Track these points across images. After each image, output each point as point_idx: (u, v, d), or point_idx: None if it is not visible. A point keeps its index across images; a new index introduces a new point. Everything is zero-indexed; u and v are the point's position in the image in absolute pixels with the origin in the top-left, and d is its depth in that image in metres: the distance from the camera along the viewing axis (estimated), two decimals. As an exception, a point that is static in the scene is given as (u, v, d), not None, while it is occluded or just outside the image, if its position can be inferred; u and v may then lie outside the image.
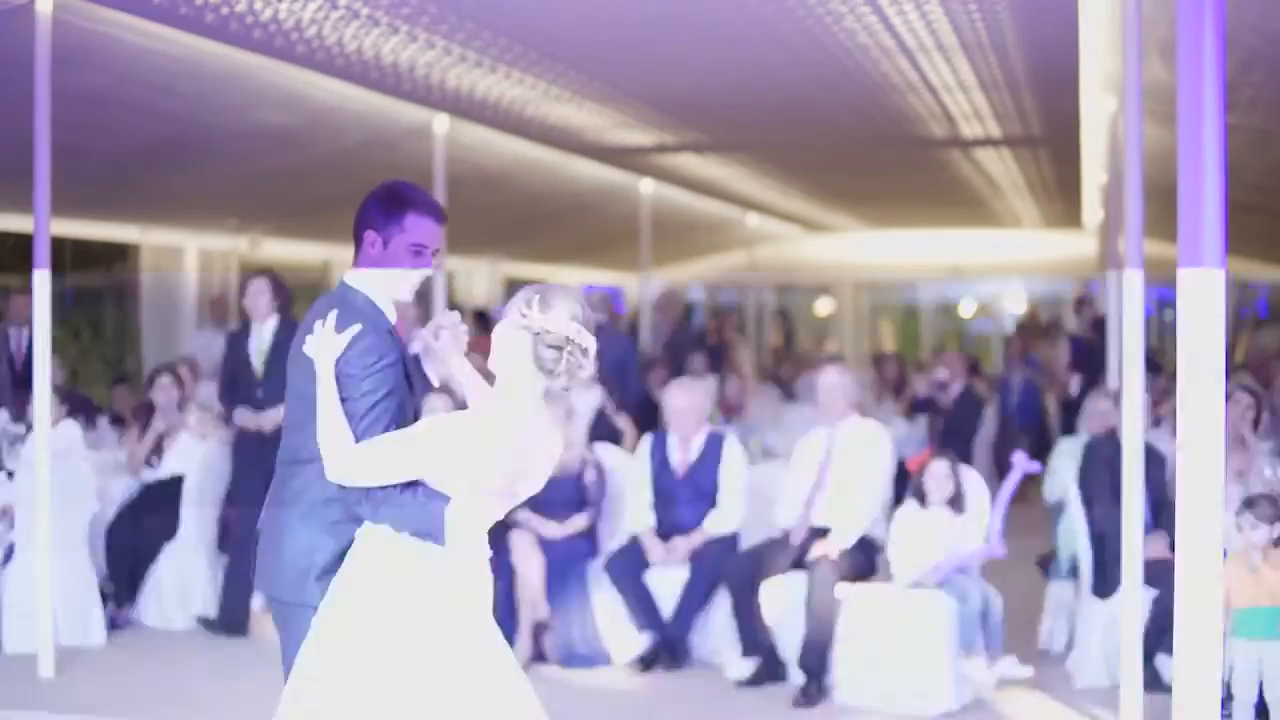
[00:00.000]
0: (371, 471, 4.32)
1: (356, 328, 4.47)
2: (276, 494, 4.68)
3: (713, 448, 9.39)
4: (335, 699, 4.29)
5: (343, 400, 4.42)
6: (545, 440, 4.47)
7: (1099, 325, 16.33)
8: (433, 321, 4.84)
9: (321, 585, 4.51)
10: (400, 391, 4.54)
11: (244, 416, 9.91)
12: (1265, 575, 6.70)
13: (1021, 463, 8.53)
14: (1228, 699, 6.88)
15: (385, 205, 4.64)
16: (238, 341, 10.07)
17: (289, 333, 9.50)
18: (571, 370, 4.35)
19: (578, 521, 9.38)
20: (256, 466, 9.54)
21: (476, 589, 4.45)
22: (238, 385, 9.98)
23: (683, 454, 9.40)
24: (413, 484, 4.37)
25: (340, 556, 4.50)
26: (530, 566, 9.12)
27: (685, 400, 9.42)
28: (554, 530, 9.29)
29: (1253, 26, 8.35)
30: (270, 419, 9.64)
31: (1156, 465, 8.27)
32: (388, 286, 4.67)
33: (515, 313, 4.37)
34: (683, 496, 9.30)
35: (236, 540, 10.32)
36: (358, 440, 4.37)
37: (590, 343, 4.37)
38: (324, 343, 4.45)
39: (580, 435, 9.86)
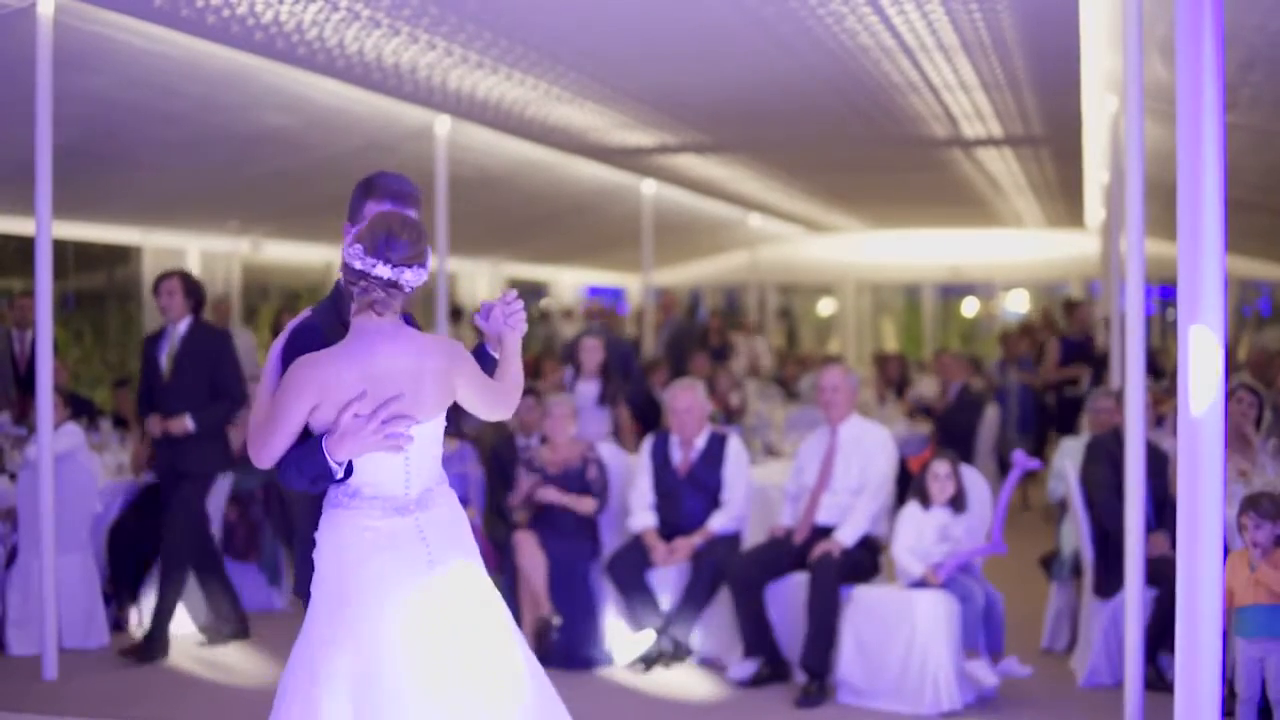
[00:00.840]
0: (264, 447, 4.47)
1: (304, 315, 4.65)
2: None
3: (715, 447, 9.40)
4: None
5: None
6: (420, 367, 4.53)
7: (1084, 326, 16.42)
8: (484, 302, 4.89)
9: None
10: None
11: (152, 422, 9.57)
12: (1266, 574, 6.70)
13: (1022, 460, 8.53)
14: (1230, 698, 6.88)
15: (354, 197, 4.78)
16: (152, 344, 9.72)
17: (201, 334, 9.50)
18: (381, 301, 4.46)
19: (587, 503, 9.40)
20: (169, 476, 9.56)
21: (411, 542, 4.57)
22: (152, 390, 9.66)
23: (684, 453, 9.41)
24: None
25: None
26: (533, 567, 9.13)
27: (686, 401, 9.43)
28: (572, 501, 9.35)
29: (1255, 26, 8.35)
30: (179, 424, 9.40)
31: (1159, 464, 8.27)
32: None
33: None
34: (685, 496, 9.31)
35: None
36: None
37: (391, 272, 4.43)
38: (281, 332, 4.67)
39: (585, 432, 9.90)
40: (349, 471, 4.50)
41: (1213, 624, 3.82)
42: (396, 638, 4.41)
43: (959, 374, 15.14)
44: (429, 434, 4.60)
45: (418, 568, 4.51)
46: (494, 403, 4.73)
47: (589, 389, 11.54)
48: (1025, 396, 15.98)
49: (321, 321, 4.66)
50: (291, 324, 4.67)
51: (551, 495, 9.39)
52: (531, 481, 9.48)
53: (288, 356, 4.58)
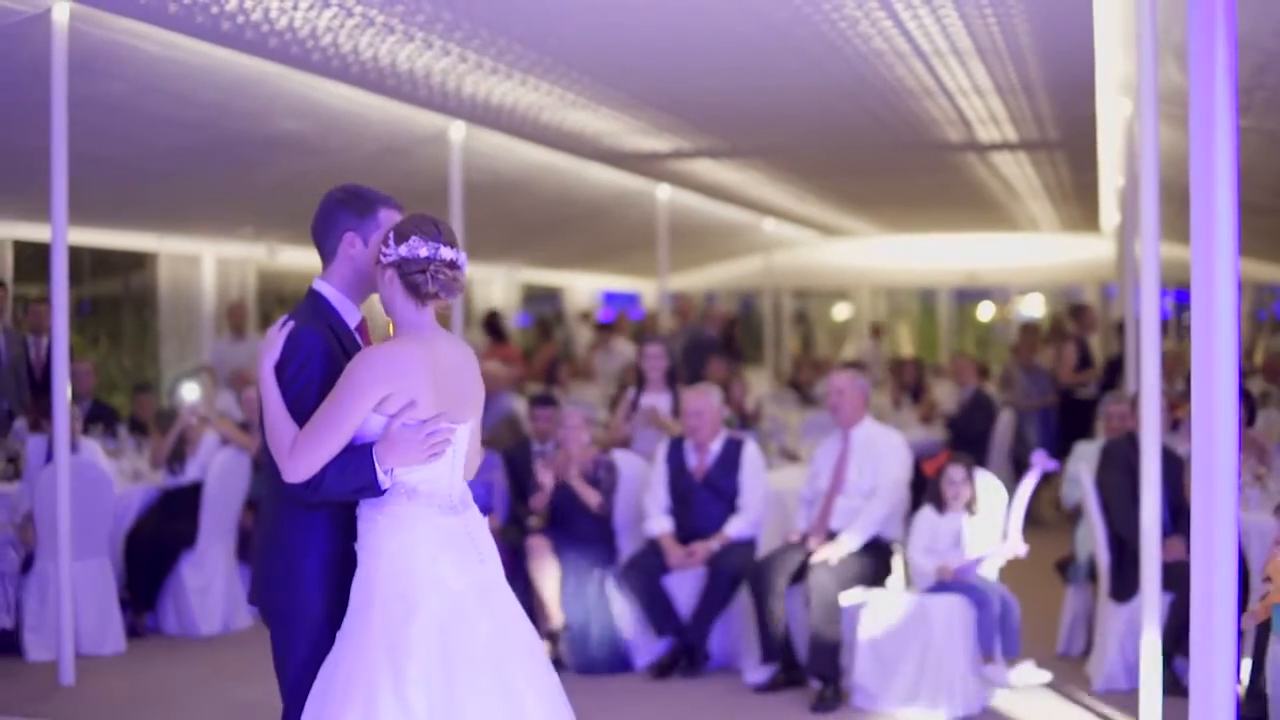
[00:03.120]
0: (313, 455, 4.42)
1: (289, 326, 4.61)
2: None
3: (731, 452, 9.39)
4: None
5: (288, 400, 4.54)
6: (465, 367, 4.68)
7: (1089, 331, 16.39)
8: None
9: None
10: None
11: None
12: None
13: (1041, 461, 8.51)
14: (1258, 700, 6.85)
15: (355, 206, 4.76)
16: None
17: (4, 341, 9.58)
18: (445, 285, 4.56)
19: (592, 495, 9.41)
20: None
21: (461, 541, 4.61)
22: None
23: (699, 458, 9.41)
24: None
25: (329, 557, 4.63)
26: (545, 574, 9.14)
27: (700, 405, 9.42)
28: (584, 490, 9.37)
29: (1270, 30, 8.34)
30: None
31: (1174, 469, 8.25)
32: (360, 286, 4.79)
33: (377, 257, 4.60)
34: (700, 500, 9.31)
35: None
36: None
37: (452, 253, 4.57)
38: (263, 346, 4.61)
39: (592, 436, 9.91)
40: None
41: (1227, 629, 3.82)
42: (469, 630, 4.46)
43: (972, 377, 15.12)
44: (468, 434, 4.68)
45: (473, 565, 4.58)
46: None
47: (659, 402, 10.99)
48: (1037, 398, 15.91)
49: (315, 329, 4.63)
50: (282, 334, 4.58)
51: (576, 481, 9.43)
52: (552, 468, 9.51)
53: (294, 369, 4.54)
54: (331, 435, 4.40)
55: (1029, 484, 8.45)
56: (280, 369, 4.54)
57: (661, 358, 10.94)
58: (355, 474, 4.45)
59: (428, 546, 4.50)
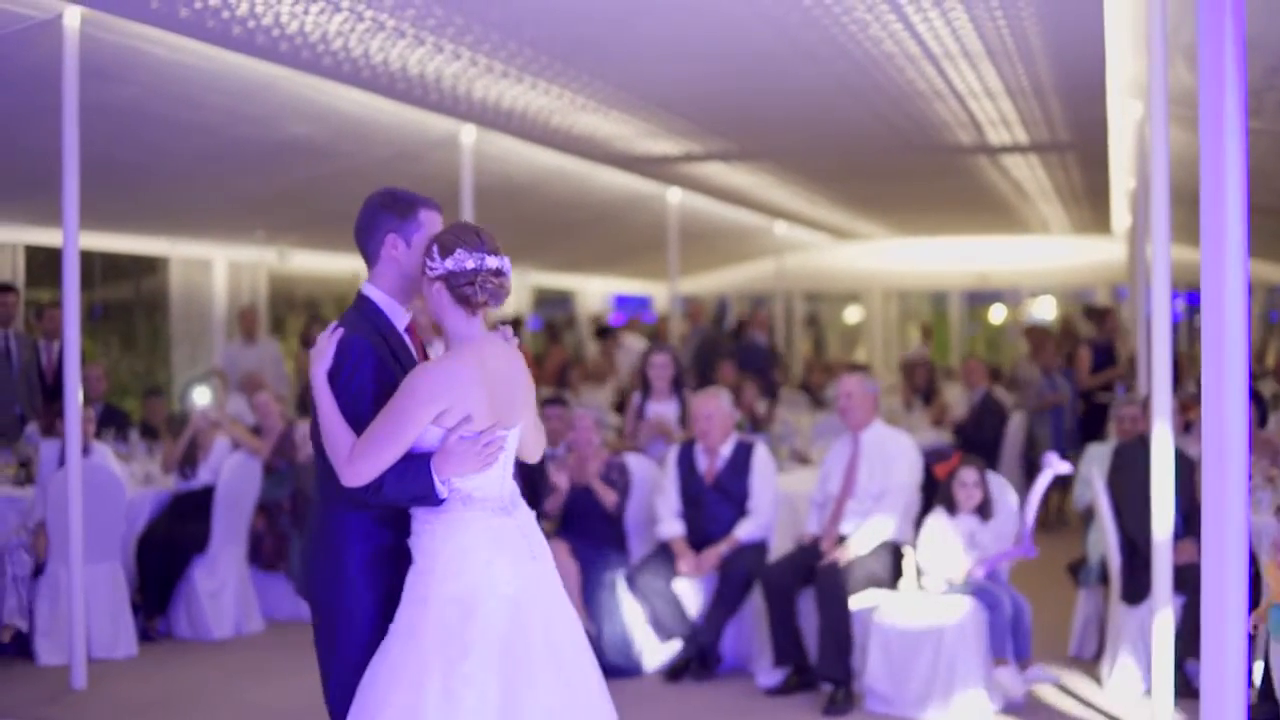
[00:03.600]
0: (371, 463, 4.49)
1: (339, 333, 4.68)
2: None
3: (741, 455, 9.39)
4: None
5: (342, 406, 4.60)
6: (513, 370, 4.76)
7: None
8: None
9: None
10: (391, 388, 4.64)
11: None
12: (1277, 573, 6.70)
13: (1053, 463, 8.50)
14: (1268, 703, 6.85)
15: (396, 208, 4.81)
16: None
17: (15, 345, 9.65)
18: (493, 293, 4.65)
19: (610, 495, 9.43)
20: None
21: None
22: None
23: (710, 461, 9.41)
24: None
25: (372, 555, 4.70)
26: (566, 575, 9.13)
27: (709, 408, 9.42)
28: (602, 490, 9.39)
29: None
30: None
31: (1186, 471, 8.24)
32: (406, 287, 4.83)
33: (424, 270, 4.66)
34: (711, 503, 9.31)
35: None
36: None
37: (498, 261, 4.66)
38: (315, 353, 4.67)
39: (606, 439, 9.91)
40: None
41: (1238, 631, 3.81)
42: (527, 635, 4.55)
43: (983, 380, 15.10)
44: (517, 437, 4.80)
45: (525, 563, 4.67)
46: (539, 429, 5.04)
47: (666, 409, 11.14)
48: (1060, 413, 15.78)
49: (364, 335, 4.69)
50: (332, 341, 4.65)
51: (595, 482, 9.45)
52: (566, 470, 9.53)
53: (345, 375, 4.62)
54: (390, 445, 4.48)
55: (1041, 485, 8.44)
56: (332, 376, 4.62)
57: (668, 366, 11.00)
58: (414, 482, 4.55)
59: (483, 550, 4.59)
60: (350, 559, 4.67)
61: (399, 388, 4.52)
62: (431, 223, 4.81)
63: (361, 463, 4.47)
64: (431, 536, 4.59)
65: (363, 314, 4.80)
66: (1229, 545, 3.79)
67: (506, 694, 4.44)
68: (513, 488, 4.78)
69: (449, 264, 4.59)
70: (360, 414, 4.56)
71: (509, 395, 4.69)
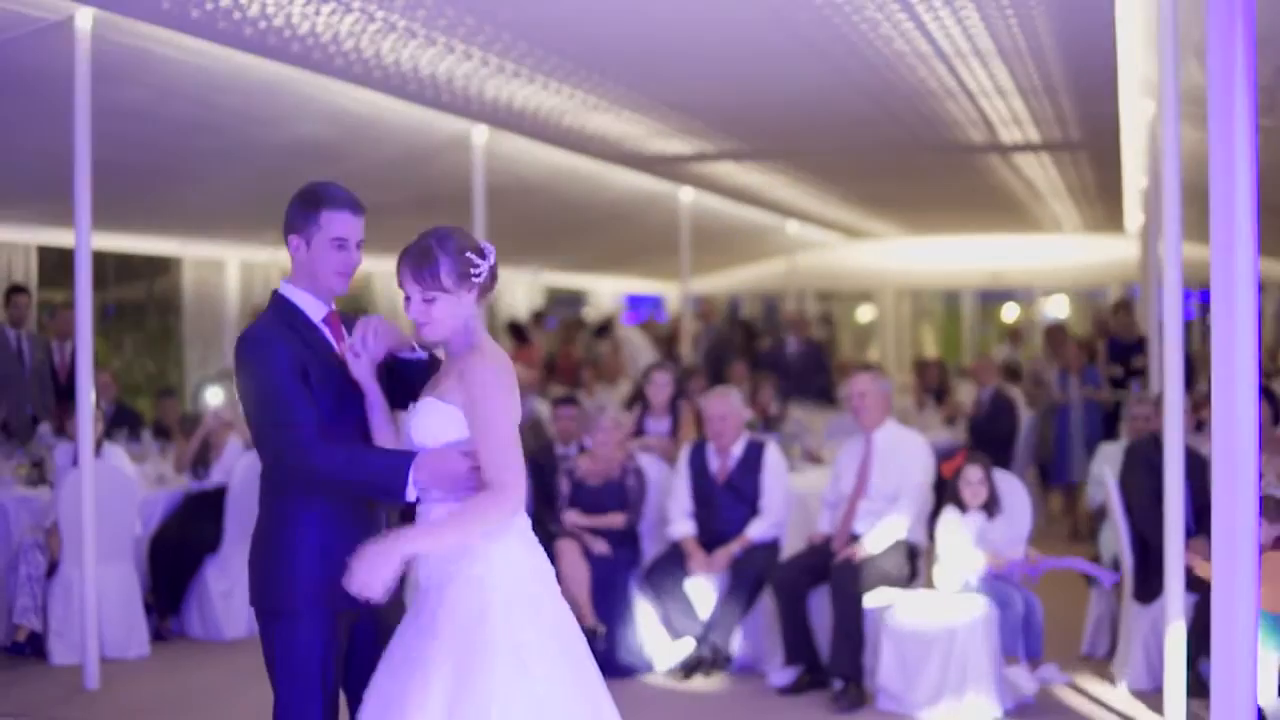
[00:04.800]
0: (519, 470, 4.48)
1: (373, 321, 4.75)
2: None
3: (752, 455, 9.39)
4: None
5: None
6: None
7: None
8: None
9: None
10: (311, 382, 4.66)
11: None
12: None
13: (1082, 565, 8.65)
14: None
15: (301, 207, 4.74)
16: None
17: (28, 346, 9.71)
18: (490, 287, 4.66)
19: (614, 519, 9.42)
20: None
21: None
22: None
23: (721, 461, 9.40)
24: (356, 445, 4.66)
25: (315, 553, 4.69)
26: (576, 576, 9.13)
27: (720, 408, 9.41)
28: (599, 542, 9.36)
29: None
30: None
31: (1198, 470, 8.22)
32: (316, 287, 4.78)
33: (469, 275, 4.57)
34: (723, 503, 9.30)
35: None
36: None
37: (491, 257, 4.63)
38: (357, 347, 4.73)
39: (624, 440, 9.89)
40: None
41: (1248, 630, 3.81)
42: (571, 628, 4.63)
43: (993, 378, 15.08)
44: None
45: (543, 559, 4.69)
46: None
47: (661, 426, 11.19)
48: (1091, 412, 15.63)
49: (276, 333, 4.70)
50: (251, 341, 4.68)
51: (580, 520, 9.43)
52: (584, 470, 9.53)
53: (260, 370, 4.64)
54: (516, 446, 4.48)
55: (1072, 565, 8.57)
56: (241, 374, 4.69)
57: (668, 385, 11.12)
58: (386, 479, 4.52)
59: (531, 557, 4.61)
60: (301, 552, 4.67)
61: (473, 402, 4.47)
62: (334, 225, 4.70)
63: (518, 473, 4.46)
64: (485, 547, 4.49)
65: (279, 312, 4.77)
66: (1239, 544, 3.78)
67: (571, 681, 4.50)
68: None
69: (490, 260, 4.61)
70: (278, 400, 4.58)
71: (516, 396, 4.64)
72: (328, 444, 4.56)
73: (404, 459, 4.50)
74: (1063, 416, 15.16)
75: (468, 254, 4.54)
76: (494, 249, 4.65)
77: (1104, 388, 14.98)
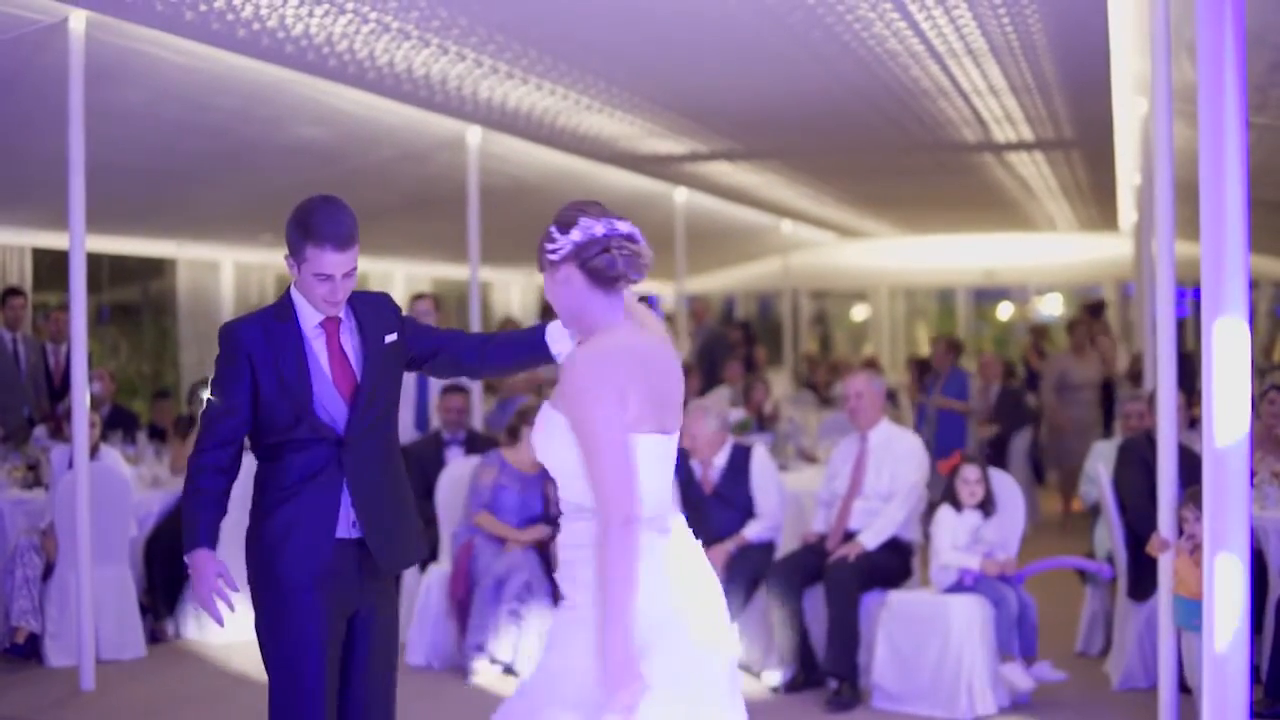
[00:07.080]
0: (628, 489, 3.90)
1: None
2: None
3: (739, 460, 9.30)
4: None
5: None
6: (670, 361, 4.13)
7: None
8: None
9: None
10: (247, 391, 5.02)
11: None
12: (1184, 565, 7.08)
13: (1090, 565, 8.71)
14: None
15: (293, 230, 4.76)
16: None
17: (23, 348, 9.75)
18: (630, 261, 4.06)
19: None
20: None
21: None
22: None
23: (705, 470, 9.32)
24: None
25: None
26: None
27: (695, 429, 9.24)
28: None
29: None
30: None
31: (1191, 467, 8.22)
32: (314, 300, 4.85)
33: (545, 256, 4.11)
34: (712, 511, 9.20)
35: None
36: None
37: (627, 225, 4.14)
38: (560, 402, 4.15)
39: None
40: None
41: (1241, 627, 3.81)
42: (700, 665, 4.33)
43: (998, 376, 15.10)
44: (675, 444, 4.20)
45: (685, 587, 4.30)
46: None
47: None
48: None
49: (249, 323, 4.93)
50: (223, 327, 4.97)
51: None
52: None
53: (223, 362, 5.01)
54: (618, 461, 3.86)
55: (1075, 564, 8.64)
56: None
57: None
58: (185, 532, 5.20)
59: (657, 576, 4.13)
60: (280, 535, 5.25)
61: (569, 404, 3.89)
62: (319, 262, 4.67)
63: (608, 496, 3.87)
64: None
65: (275, 306, 4.92)
66: (1230, 541, 3.79)
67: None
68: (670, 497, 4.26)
69: (575, 236, 4.03)
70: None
71: (671, 393, 4.07)
72: (207, 457, 5.47)
73: (209, 541, 5.27)
74: None
75: (552, 227, 4.12)
76: (614, 223, 4.14)
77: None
